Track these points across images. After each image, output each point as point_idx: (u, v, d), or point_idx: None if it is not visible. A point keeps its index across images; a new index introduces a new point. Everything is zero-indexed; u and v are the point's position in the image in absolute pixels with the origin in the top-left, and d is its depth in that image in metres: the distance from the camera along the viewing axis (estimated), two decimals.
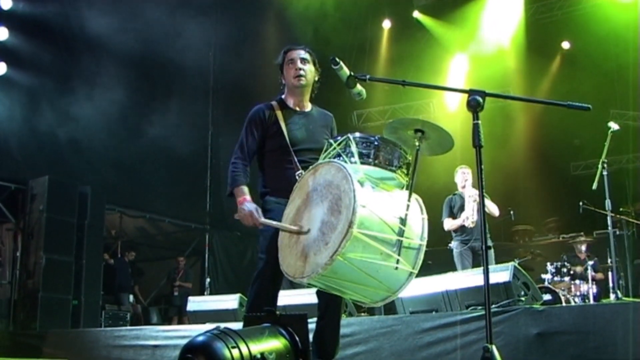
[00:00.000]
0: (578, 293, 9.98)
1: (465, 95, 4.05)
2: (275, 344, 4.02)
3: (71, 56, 13.92)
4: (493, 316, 6.74)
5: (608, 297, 9.04)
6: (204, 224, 17.07)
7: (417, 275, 4.39)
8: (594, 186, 8.65)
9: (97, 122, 13.87)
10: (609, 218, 8.61)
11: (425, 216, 4.73)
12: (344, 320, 8.33)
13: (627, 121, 13.29)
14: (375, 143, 4.66)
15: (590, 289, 9.69)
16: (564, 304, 9.29)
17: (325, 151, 4.75)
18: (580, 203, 10.18)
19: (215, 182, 16.86)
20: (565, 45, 16.43)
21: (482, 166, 3.95)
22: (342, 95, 6.53)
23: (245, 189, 5.14)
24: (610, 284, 9.04)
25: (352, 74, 4.34)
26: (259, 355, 3.79)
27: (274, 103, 5.49)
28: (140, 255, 16.83)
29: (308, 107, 5.57)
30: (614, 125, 8.72)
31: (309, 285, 4.54)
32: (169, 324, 15.11)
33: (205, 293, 15.09)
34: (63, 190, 12.66)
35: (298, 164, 5.18)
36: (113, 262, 15.49)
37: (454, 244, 10.56)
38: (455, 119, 15.49)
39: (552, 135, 15.81)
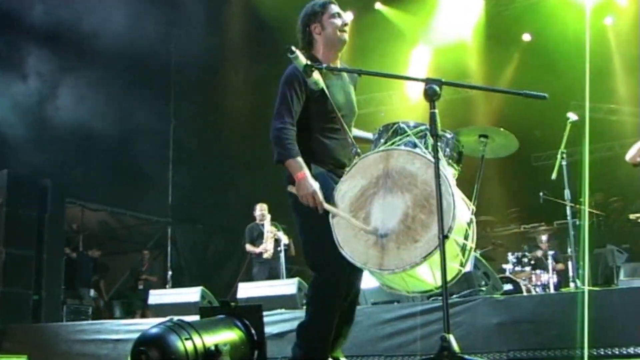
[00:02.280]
0: (539, 283, 10.06)
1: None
2: (230, 335, 4.00)
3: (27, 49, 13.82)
4: (454, 306, 6.80)
5: (568, 286, 9.11)
6: (167, 217, 16.98)
7: None
8: (553, 176, 8.71)
9: (57, 116, 13.74)
10: (568, 208, 8.67)
11: (475, 220, 4.72)
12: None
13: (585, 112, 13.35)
14: (451, 140, 4.68)
15: (551, 278, 9.77)
16: (524, 294, 9.35)
17: (394, 133, 4.60)
18: (541, 193, 10.24)
19: (178, 174, 16.76)
20: (526, 37, 16.52)
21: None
22: None
23: (302, 161, 4.58)
24: (570, 274, 9.11)
25: (309, 63, 4.29)
26: (213, 347, 3.76)
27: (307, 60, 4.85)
28: (102, 249, 16.69)
29: (339, 64, 5.12)
30: (572, 116, 8.77)
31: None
32: (133, 317, 14.99)
33: (167, 286, 15.02)
34: (23, 183, 12.47)
35: (349, 134, 4.81)
36: (75, 256, 15.35)
37: None
38: (417, 110, 15.56)
39: (512, 126, 15.66)
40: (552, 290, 9.26)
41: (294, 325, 7.80)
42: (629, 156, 9.35)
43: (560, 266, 11.31)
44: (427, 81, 4.03)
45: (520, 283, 9.61)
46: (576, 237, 9.28)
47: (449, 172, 4.45)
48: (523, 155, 16.71)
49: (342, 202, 4.46)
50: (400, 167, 4.35)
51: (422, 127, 4.54)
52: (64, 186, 13.40)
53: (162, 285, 15.47)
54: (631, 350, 6.01)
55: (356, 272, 4.61)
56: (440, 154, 4.35)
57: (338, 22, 4.98)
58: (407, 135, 4.53)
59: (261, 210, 13.06)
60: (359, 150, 4.75)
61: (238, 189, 15.63)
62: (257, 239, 12.91)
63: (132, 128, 14.71)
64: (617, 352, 6.02)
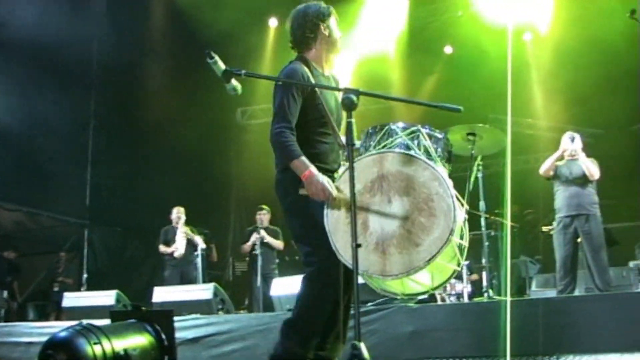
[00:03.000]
0: (453, 292, 10.16)
1: None
2: (139, 340, 3.96)
3: None
4: (368, 314, 6.87)
5: (482, 296, 9.25)
6: (84, 218, 16.74)
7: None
8: (469, 187, 8.84)
9: None
10: (482, 219, 8.81)
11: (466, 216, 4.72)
12: (221, 317, 8.32)
13: (504, 126, 13.59)
14: (441, 140, 4.66)
15: (465, 287, 9.88)
16: (439, 303, 9.46)
17: (385, 135, 4.58)
18: None
19: (97, 176, 16.53)
20: (448, 49, 16.75)
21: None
22: (226, 92, 6.42)
23: (306, 159, 4.50)
24: (484, 284, 9.25)
25: (228, 68, 4.28)
26: (122, 352, 3.72)
27: (299, 62, 4.94)
28: (17, 250, 16.36)
29: (332, 72, 5.13)
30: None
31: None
32: (47, 320, 14.73)
33: (83, 289, 14.82)
34: None
35: (340, 139, 4.74)
36: None
37: None
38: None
39: None
40: (465, 300, 9.39)
41: (208, 330, 7.84)
42: (542, 170, 9.59)
43: (474, 276, 11.48)
44: (345, 91, 4.06)
45: (436, 292, 9.73)
46: (490, 248, 9.43)
47: (444, 172, 4.43)
48: None
49: (339, 206, 4.42)
50: (396, 170, 4.33)
51: (414, 129, 4.55)
52: None
53: (78, 288, 15.24)
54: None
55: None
56: (433, 154, 4.49)
57: (339, 31, 5.02)
58: (399, 137, 4.52)
59: (178, 213, 13.02)
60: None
61: (157, 192, 15.47)
62: (171, 241, 12.86)
63: (50, 127, 14.46)
64: None
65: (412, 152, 4.38)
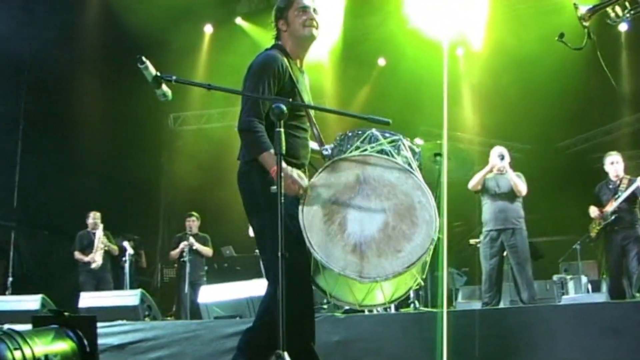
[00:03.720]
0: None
1: None
2: (61, 346, 3.90)
3: None
4: None
5: (408, 307, 9.32)
6: (11, 220, 16.44)
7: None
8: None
9: None
10: None
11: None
12: (147, 324, 8.26)
13: (436, 139, 13.77)
14: (418, 153, 4.65)
15: None
16: (366, 312, 9.51)
17: (365, 141, 4.53)
18: None
19: (24, 178, 16.25)
20: (381, 62, 16.88)
21: (282, 174, 3.99)
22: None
23: (273, 154, 4.24)
24: (411, 295, 9.32)
25: (159, 74, 4.25)
26: (42, 357, 3.67)
27: (277, 50, 4.82)
28: None
29: (304, 64, 5.06)
30: (419, 141, 9.02)
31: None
32: None
33: (7, 293, 14.56)
34: None
35: (318, 132, 4.74)
36: None
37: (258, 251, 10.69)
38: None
39: None
40: (392, 311, 9.45)
41: (135, 336, 7.78)
42: (471, 184, 9.72)
43: None
44: (275, 100, 4.06)
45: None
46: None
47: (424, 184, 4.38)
48: None
49: (315, 203, 4.32)
50: (378, 175, 4.30)
51: (395, 138, 4.53)
52: None
53: (3, 292, 14.97)
54: None
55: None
56: (414, 165, 4.48)
57: (303, 16, 4.83)
58: (381, 144, 4.49)
59: (94, 218, 12.97)
60: (329, 153, 4.66)
61: (85, 196, 15.27)
62: (87, 247, 12.77)
63: None
64: None
65: (394, 159, 4.39)
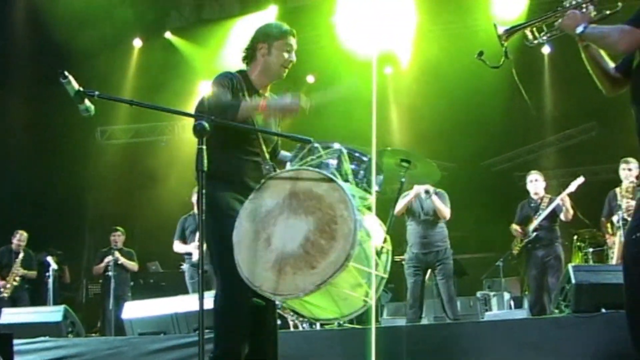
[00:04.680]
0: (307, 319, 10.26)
1: None
2: None
3: None
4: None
5: (333, 324, 9.36)
6: None
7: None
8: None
9: None
10: None
11: (390, 248, 4.61)
12: (70, 340, 8.16)
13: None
14: (366, 163, 4.53)
15: None
16: (291, 329, 9.53)
17: (308, 153, 4.49)
18: None
19: None
20: (310, 79, 16.97)
21: (204, 190, 4.00)
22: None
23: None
24: None
25: (81, 89, 4.22)
26: None
27: (238, 74, 4.85)
28: None
29: (267, 92, 5.02)
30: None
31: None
32: None
33: None
34: None
35: (266, 154, 4.68)
36: None
37: (185, 266, 10.68)
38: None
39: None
40: (318, 327, 9.49)
41: (57, 353, 7.68)
42: (396, 211, 9.71)
43: None
44: (198, 117, 4.08)
45: (288, 318, 9.79)
46: None
47: (354, 193, 4.30)
48: None
49: (247, 221, 4.30)
50: (307, 189, 4.22)
51: (335, 148, 4.46)
52: None
53: None
54: None
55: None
56: (350, 176, 4.41)
57: (285, 56, 4.88)
58: (320, 156, 4.43)
59: (20, 240, 12.77)
60: (271, 169, 4.64)
61: (9, 210, 15.02)
62: (4, 268, 12.57)
63: None
64: None
65: (326, 172, 4.29)
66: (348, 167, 4.43)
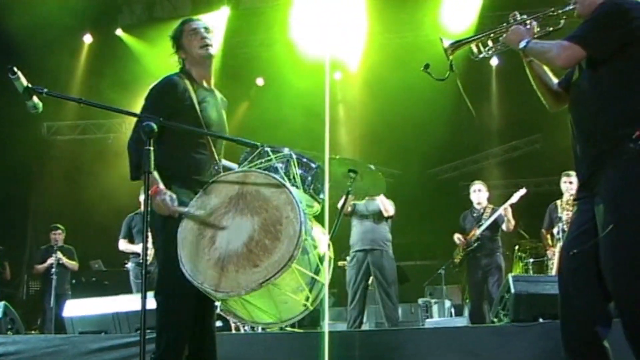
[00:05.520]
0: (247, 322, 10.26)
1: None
2: None
3: None
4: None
5: (273, 328, 9.38)
6: None
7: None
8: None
9: None
10: None
11: (333, 256, 4.61)
12: (9, 337, 8.08)
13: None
14: (315, 170, 4.56)
15: None
16: (233, 331, 9.54)
17: (257, 156, 4.51)
18: None
19: None
20: (260, 81, 17.00)
21: (150, 192, 4.02)
22: None
23: (156, 175, 4.40)
24: None
25: (29, 85, 4.20)
26: None
27: (180, 74, 4.91)
28: None
29: (212, 83, 5.09)
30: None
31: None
32: None
33: None
34: None
35: (215, 154, 4.75)
36: None
37: (130, 265, 10.61)
38: None
39: None
40: (259, 330, 9.52)
41: None
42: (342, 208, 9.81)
43: None
44: (144, 118, 4.09)
45: (231, 321, 9.79)
46: None
47: (302, 199, 4.33)
48: None
49: (192, 219, 4.34)
50: (255, 190, 4.26)
51: (285, 153, 4.50)
52: None
53: None
54: None
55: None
56: (298, 181, 4.45)
57: (195, 39, 4.93)
58: (270, 160, 4.47)
59: None
60: (220, 169, 4.71)
61: None
62: None
63: None
64: None
65: (274, 175, 4.34)
66: (296, 172, 4.48)
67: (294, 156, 4.52)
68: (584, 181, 4.28)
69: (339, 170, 5.60)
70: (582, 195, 4.31)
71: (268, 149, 4.51)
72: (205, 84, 5.01)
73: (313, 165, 4.62)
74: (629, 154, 3.92)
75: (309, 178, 4.57)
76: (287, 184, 4.28)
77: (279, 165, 4.47)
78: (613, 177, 3.97)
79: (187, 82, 4.84)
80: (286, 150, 4.55)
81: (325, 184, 4.69)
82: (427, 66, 4.70)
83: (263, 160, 4.49)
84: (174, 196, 4.42)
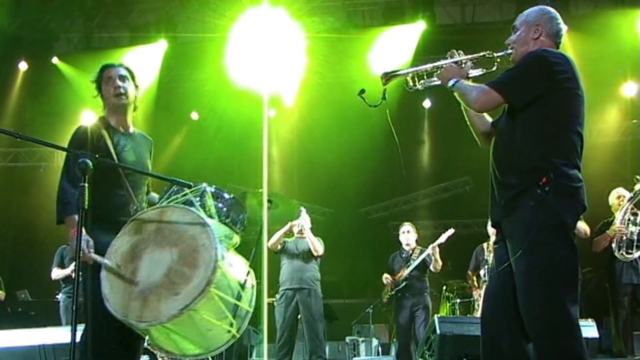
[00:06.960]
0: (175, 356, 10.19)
1: None
2: None
3: None
4: None
5: None
6: None
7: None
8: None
9: None
10: None
11: (255, 284, 4.70)
12: None
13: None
14: (229, 201, 4.68)
15: None
16: None
17: (174, 192, 4.64)
18: None
19: None
20: (194, 115, 17.02)
21: (82, 228, 4.05)
22: None
23: (76, 218, 4.32)
24: None
25: None
26: None
27: (96, 122, 5.05)
28: None
29: (131, 128, 5.22)
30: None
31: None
32: None
33: None
34: None
35: (132, 195, 4.86)
36: None
37: (61, 297, 10.50)
38: None
39: None
40: None
41: None
42: (270, 243, 9.88)
43: None
44: (81, 155, 4.12)
45: (158, 355, 9.71)
46: None
47: (218, 228, 4.44)
48: None
49: (113, 257, 4.40)
50: (172, 223, 4.38)
51: (200, 187, 4.64)
52: None
53: None
54: None
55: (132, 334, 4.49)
56: (213, 211, 4.57)
57: (110, 88, 5.07)
58: (185, 194, 4.59)
59: None
60: (138, 208, 4.83)
61: None
62: None
63: None
64: None
65: (191, 208, 4.47)
66: (212, 204, 4.63)
67: (209, 190, 4.67)
68: (496, 225, 4.42)
69: (254, 201, 5.72)
70: (498, 239, 4.46)
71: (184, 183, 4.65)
72: (122, 129, 5.14)
73: (227, 196, 4.78)
74: (536, 200, 4.06)
75: (224, 209, 4.71)
76: (202, 214, 4.43)
77: (195, 199, 4.60)
78: (522, 221, 4.11)
79: (102, 129, 4.99)
80: (202, 185, 4.70)
81: (263, 217, 4.81)
82: (362, 91, 4.83)
83: (179, 196, 4.64)
84: (91, 242, 4.50)
